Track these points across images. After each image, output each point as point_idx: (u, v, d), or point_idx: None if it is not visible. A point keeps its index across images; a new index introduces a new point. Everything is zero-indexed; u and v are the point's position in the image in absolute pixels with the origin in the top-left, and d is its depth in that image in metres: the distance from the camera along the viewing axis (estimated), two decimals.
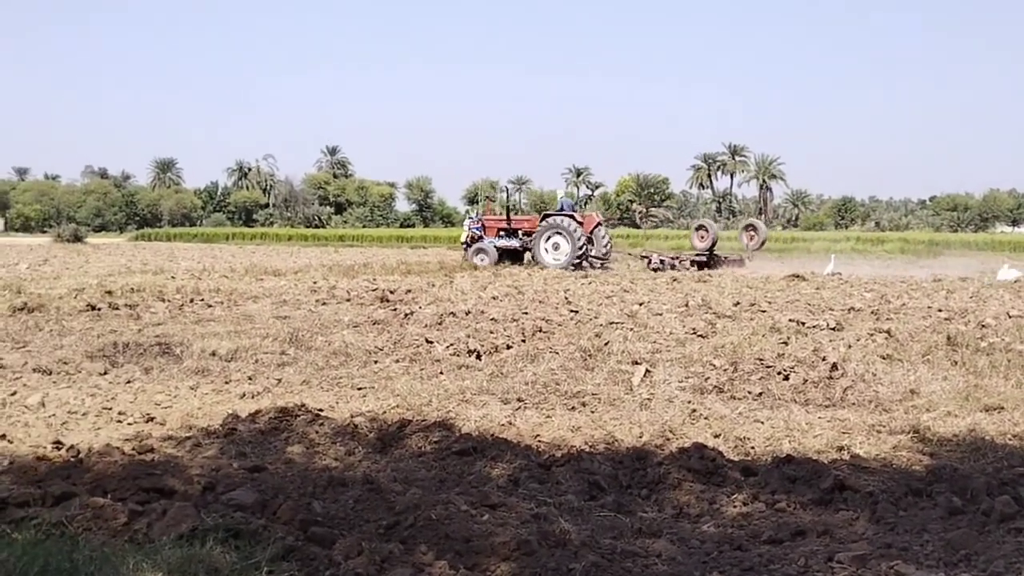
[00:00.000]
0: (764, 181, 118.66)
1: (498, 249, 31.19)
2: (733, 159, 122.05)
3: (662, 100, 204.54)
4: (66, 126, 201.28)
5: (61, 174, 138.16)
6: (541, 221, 30.92)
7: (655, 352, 10.12)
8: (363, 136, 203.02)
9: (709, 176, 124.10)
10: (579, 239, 29.81)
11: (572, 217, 30.55)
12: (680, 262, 30.84)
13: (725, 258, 32.01)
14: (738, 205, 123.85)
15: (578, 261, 29.70)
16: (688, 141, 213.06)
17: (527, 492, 5.35)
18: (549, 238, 30.19)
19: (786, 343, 10.54)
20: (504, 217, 32.56)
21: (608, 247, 31.64)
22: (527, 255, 31.33)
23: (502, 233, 31.85)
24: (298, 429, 6.67)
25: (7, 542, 4.02)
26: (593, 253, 30.77)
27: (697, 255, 31.58)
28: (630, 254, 34.80)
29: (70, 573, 3.72)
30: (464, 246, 32.43)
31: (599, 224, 31.61)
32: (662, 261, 30.52)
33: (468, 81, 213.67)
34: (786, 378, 8.67)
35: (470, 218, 33.70)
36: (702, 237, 32.46)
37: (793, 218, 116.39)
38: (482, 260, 30.71)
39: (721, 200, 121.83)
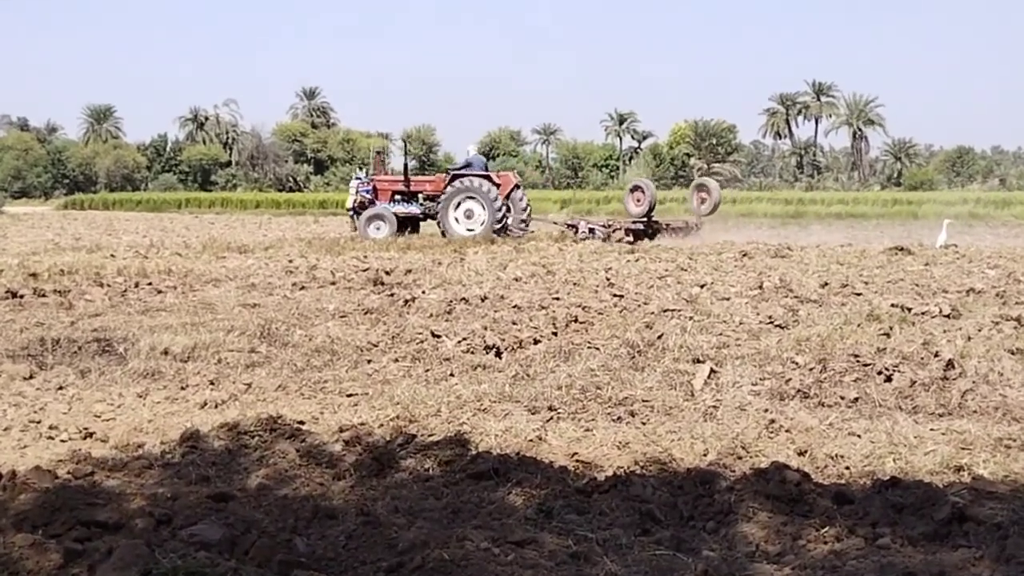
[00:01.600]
0: (857, 128, 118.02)
1: (396, 216, 31.51)
2: (818, 100, 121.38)
3: (725, 26, 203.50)
4: None
5: None
6: (449, 183, 31.46)
7: (722, 347, 10.11)
8: (349, 77, 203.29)
9: (787, 122, 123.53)
10: (497, 204, 30.65)
11: (488, 178, 31.27)
12: (614, 231, 31.36)
13: (667, 225, 32.40)
14: (825, 159, 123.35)
15: (497, 230, 30.44)
16: (760, 78, 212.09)
17: (562, 525, 5.36)
18: (459, 204, 30.91)
19: (888, 335, 10.50)
20: (400, 177, 32.70)
21: (527, 212, 32.29)
22: (424, 225, 31.81)
23: (398, 197, 32.32)
24: (273, 447, 6.72)
25: None
26: (510, 220, 31.46)
27: (634, 222, 32.11)
28: (555, 222, 35.16)
29: None
30: (351, 213, 32.58)
31: (517, 186, 32.29)
32: (591, 230, 30.93)
33: (481, 10, 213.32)
34: (888, 379, 8.64)
35: (357, 179, 33.45)
36: (638, 200, 32.81)
37: (895, 174, 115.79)
38: (379, 230, 30.76)
39: (803, 152, 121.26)
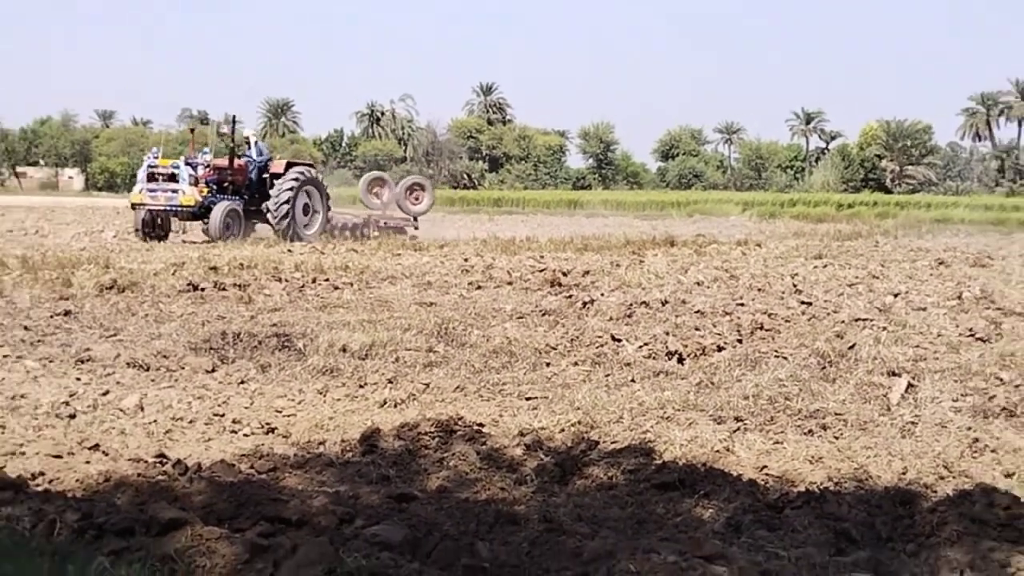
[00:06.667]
0: None
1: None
2: (1023, 100, 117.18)
3: (921, 21, 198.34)
4: (159, 61, 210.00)
5: (153, 119, 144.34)
6: (285, 171, 28.92)
7: (919, 360, 9.90)
8: (527, 71, 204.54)
9: (988, 124, 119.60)
10: (328, 197, 29.82)
11: (311, 165, 30.77)
12: (364, 229, 31.49)
13: (384, 224, 32.64)
14: None
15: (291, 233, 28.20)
16: (959, 76, 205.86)
17: (752, 541, 5.30)
18: (299, 199, 28.68)
19: None
20: (224, 163, 29.07)
21: None
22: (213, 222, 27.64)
23: (218, 187, 28.70)
24: (453, 449, 6.83)
25: None
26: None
27: (401, 220, 32.92)
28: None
29: None
30: (176, 212, 28.12)
31: None
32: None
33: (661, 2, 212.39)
34: None
35: (191, 163, 28.52)
36: (417, 199, 33.71)
37: None
38: (234, 232, 27.52)
39: (1005, 156, 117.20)
